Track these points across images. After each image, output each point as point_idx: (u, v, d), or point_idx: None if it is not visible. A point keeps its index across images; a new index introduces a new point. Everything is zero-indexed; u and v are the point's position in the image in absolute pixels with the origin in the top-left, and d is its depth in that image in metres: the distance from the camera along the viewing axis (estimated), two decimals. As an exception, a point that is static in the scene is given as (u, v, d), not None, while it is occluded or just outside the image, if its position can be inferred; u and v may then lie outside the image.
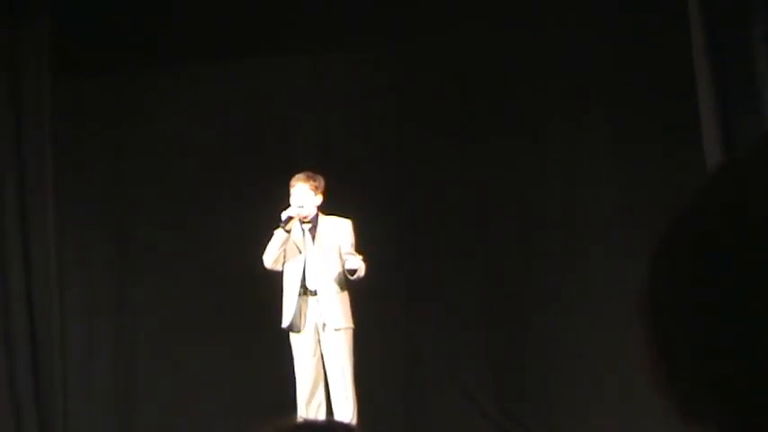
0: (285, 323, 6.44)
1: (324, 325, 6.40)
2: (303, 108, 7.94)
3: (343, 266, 6.36)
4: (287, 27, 7.74)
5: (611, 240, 7.34)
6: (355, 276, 6.31)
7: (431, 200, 7.71)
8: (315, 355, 6.43)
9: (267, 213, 6.70)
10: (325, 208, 6.55)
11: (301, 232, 6.46)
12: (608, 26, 7.40)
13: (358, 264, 6.29)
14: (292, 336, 6.47)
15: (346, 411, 6.33)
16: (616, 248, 7.23)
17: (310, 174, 6.51)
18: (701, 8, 6.24)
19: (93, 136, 8.08)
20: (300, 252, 6.44)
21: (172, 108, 8.00)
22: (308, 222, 6.46)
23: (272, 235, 6.44)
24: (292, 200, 6.43)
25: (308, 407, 6.38)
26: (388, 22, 7.67)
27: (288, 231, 6.38)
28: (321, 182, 6.49)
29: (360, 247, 6.46)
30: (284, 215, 6.37)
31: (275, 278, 6.59)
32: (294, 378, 6.47)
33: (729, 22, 6.17)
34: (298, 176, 6.48)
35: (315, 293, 6.41)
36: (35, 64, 7.39)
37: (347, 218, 6.52)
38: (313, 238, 6.47)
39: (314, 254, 6.44)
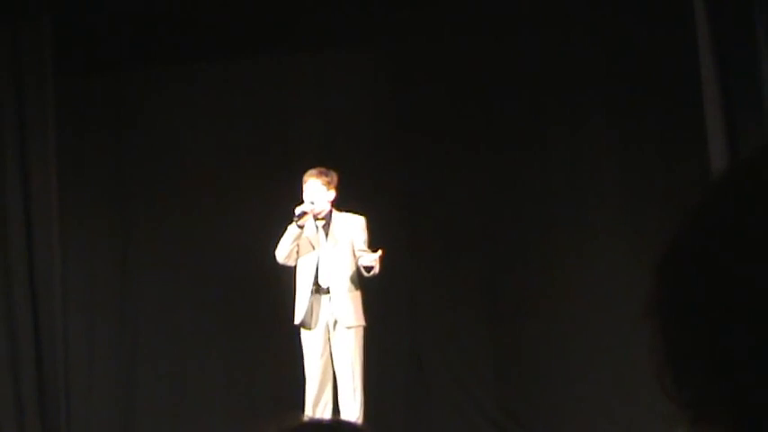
0: (297, 319, 6.37)
1: (335, 322, 6.34)
2: (303, 108, 7.93)
3: (357, 263, 6.33)
4: (287, 27, 7.73)
5: (613, 241, 7.34)
6: (371, 273, 6.26)
7: (431, 200, 7.70)
8: (323, 356, 6.37)
9: (267, 213, 6.69)
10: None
11: (315, 228, 6.41)
12: (608, 26, 7.39)
13: (372, 261, 6.21)
14: (303, 333, 6.41)
15: (353, 410, 6.28)
16: (618, 249, 7.23)
17: (323, 169, 6.45)
18: (705, 9, 6.23)
19: (94, 136, 8.07)
20: (314, 248, 6.37)
21: (172, 108, 7.99)
22: (322, 219, 6.42)
23: (284, 230, 6.37)
24: (305, 196, 6.37)
25: (316, 406, 6.35)
26: (388, 22, 7.67)
27: (301, 227, 6.31)
28: (334, 177, 6.43)
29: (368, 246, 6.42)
30: (297, 210, 6.29)
31: (277, 278, 6.58)
32: (301, 376, 6.43)
33: (734, 23, 6.16)
34: (310, 172, 6.42)
35: (327, 291, 6.35)
36: (37, 64, 7.39)
37: (361, 214, 6.49)
38: (326, 234, 6.41)
39: (327, 250, 6.38)
